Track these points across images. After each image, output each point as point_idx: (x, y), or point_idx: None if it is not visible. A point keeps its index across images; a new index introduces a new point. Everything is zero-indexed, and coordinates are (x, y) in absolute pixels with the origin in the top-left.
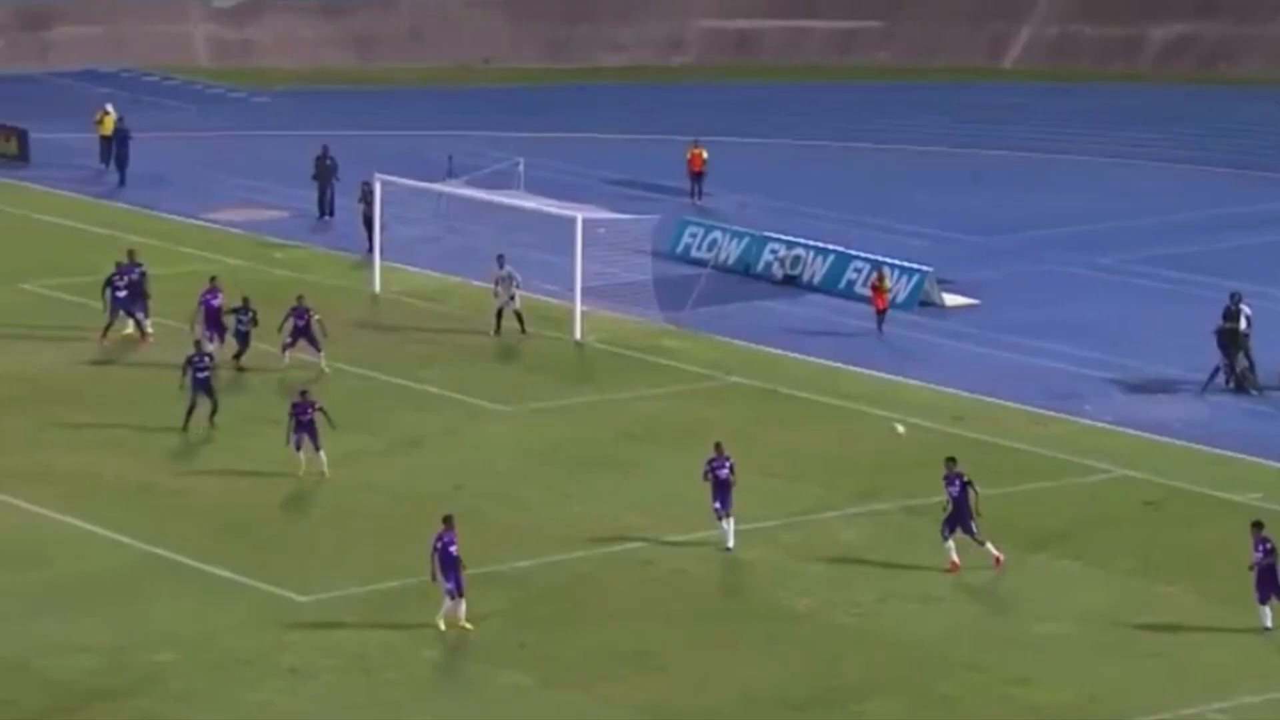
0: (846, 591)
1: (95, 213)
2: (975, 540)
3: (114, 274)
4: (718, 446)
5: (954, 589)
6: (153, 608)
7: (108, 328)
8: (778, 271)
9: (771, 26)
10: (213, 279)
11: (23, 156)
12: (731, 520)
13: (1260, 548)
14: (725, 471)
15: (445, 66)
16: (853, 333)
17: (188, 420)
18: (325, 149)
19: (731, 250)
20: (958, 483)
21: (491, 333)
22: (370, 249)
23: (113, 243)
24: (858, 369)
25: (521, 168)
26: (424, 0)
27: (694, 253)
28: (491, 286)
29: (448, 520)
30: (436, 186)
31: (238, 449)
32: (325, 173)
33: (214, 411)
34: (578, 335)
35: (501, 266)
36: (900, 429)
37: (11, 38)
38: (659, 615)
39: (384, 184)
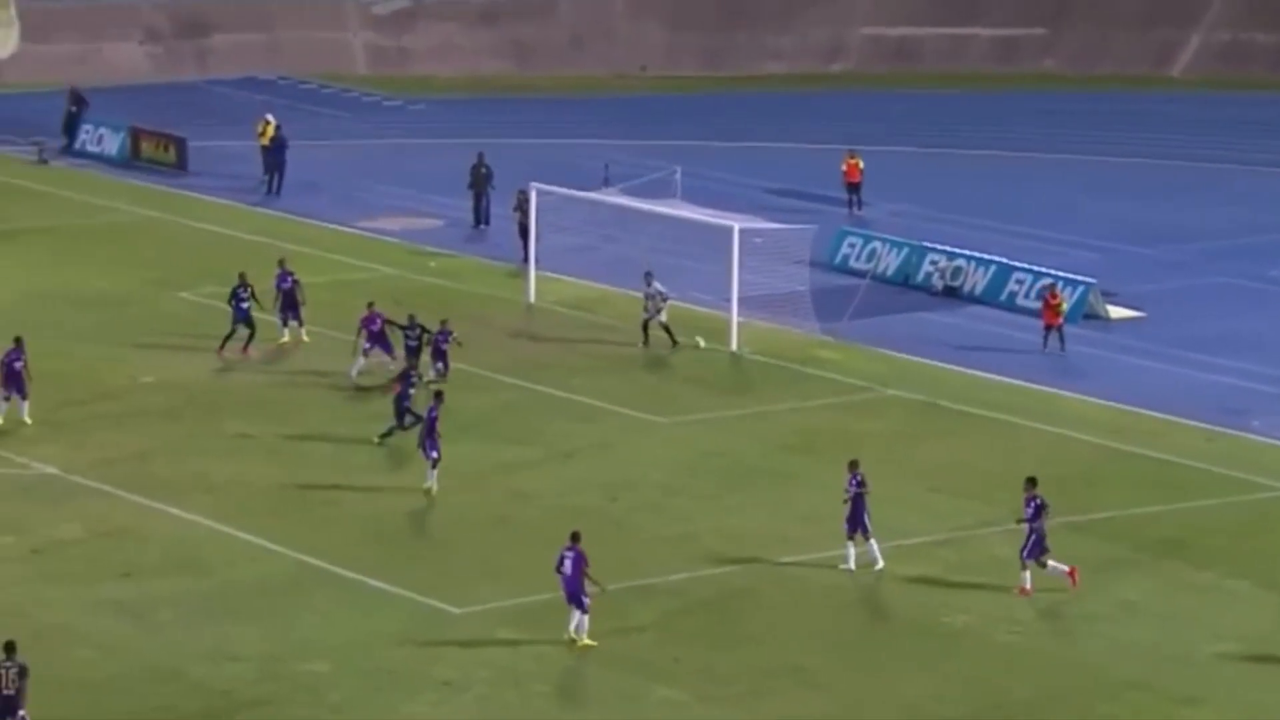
0: (1006, 609)
1: (251, 221)
2: (1039, 564)
3: (238, 285)
4: (851, 465)
5: (1117, 607)
6: (306, 617)
7: (226, 339)
8: (938, 283)
9: (932, 34)
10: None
11: (181, 165)
12: (873, 541)
13: None
14: (854, 490)
15: (602, 75)
16: (1014, 345)
17: (392, 434)
18: (481, 157)
19: (891, 261)
20: (1032, 505)
21: (639, 345)
22: (525, 258)
23: (268, 251)
24: (1019, 382)
25: (678, 176)
26: (582, 8)
27: (852, 263)
28: (642, 299)
29: (574, 536)
30: (592, 195)
31: (393, 458)
32: (481, 181)
33: (401, 428)
34: (733, 346)
35: (649, 284)
36: (700, 342)
37: (170, 45)
38: (815, 631)
39: (540, 193)
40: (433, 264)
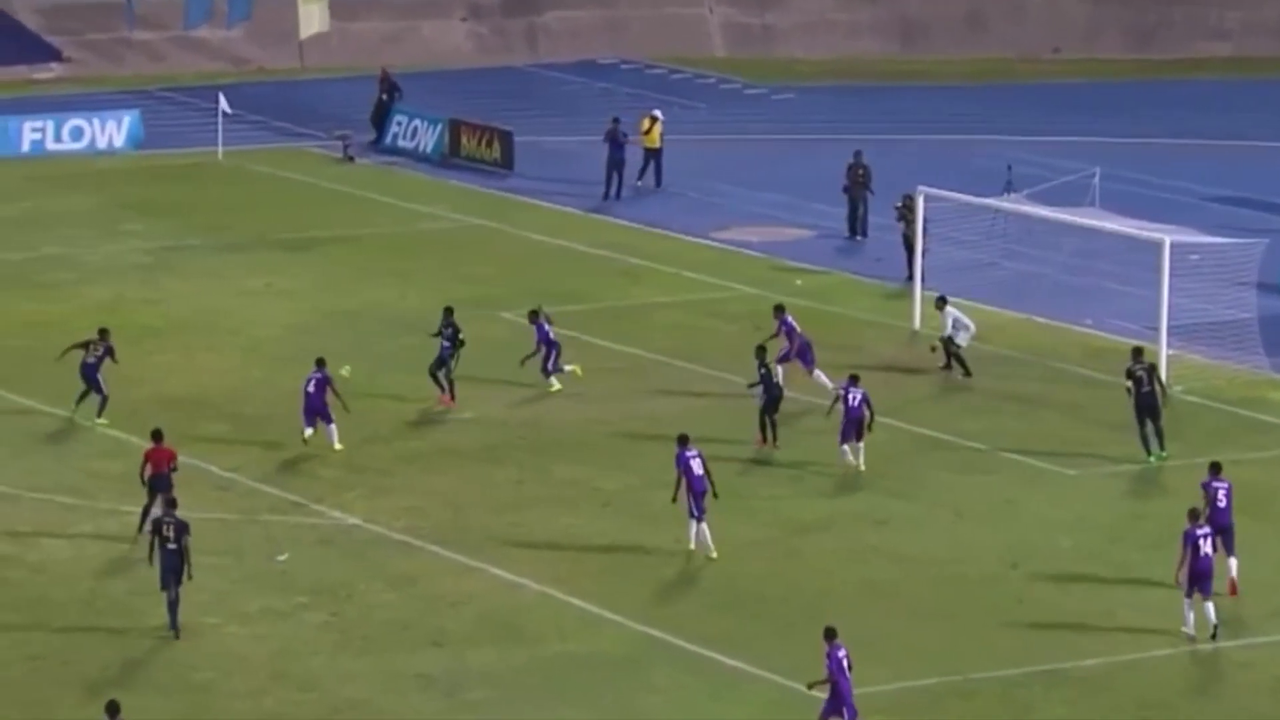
0: None
1: (587, 230)
2: None
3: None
4: (1191, 514)
5: None
6: (645, 699)
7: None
8: None
9: None
10: (779, 307)
11: (506, 163)
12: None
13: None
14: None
15: (1006, 58)
16: None
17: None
18: (858, 156)
19: None
20: None
21: (960, 376)
22: (910, 276)
23: (607, 265)
24: None
25: (1097, 180)
26: None
27: None
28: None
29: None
30: (992, 202)
31: (746, 507)
32: (858, 184)
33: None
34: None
35: (942, 312)
36: (345, 371)
37: (496, 24)
38: None
39: (928, 198)
40: (799, 282)
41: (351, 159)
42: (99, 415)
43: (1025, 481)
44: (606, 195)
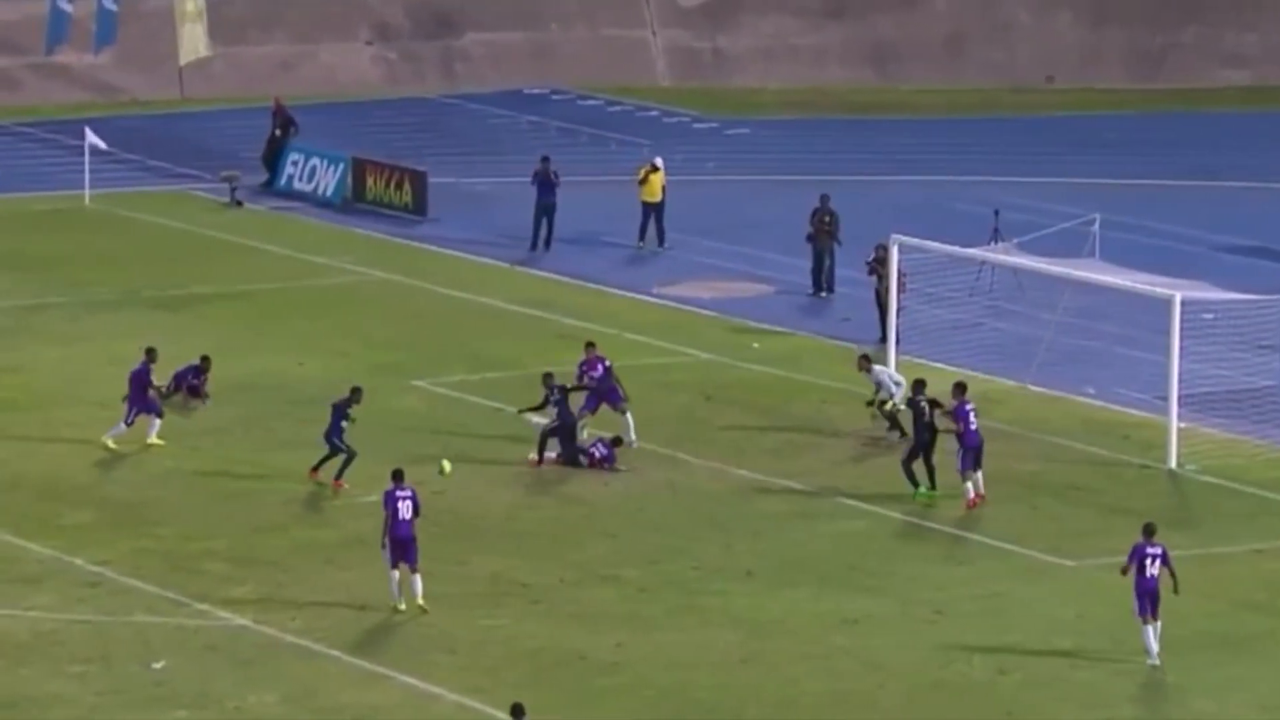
0: None
1: (512, 285)
2: None
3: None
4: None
5: None
6: None
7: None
8: None
9: None
10: (589, 345)
11: (418, 208)
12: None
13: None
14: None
15: (992, 88)
16: None
17: None
18: (824, 200)
19: None
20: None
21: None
22: (883, 338)
23: (535, 326)
24: None
25: (1097, 227)
26: None
27: None
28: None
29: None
30: (976, 252)
31: (693, 605)
32: (824, 232)
33: None
34: (1172, 462)
35: (869, 372)
36: (447, 467)
37: (407, 48)
38: None
39: (903, 248)
40: (756, 345)
41: (239, 203)
42: None
43: (1016, 574)
44: (535, 245)
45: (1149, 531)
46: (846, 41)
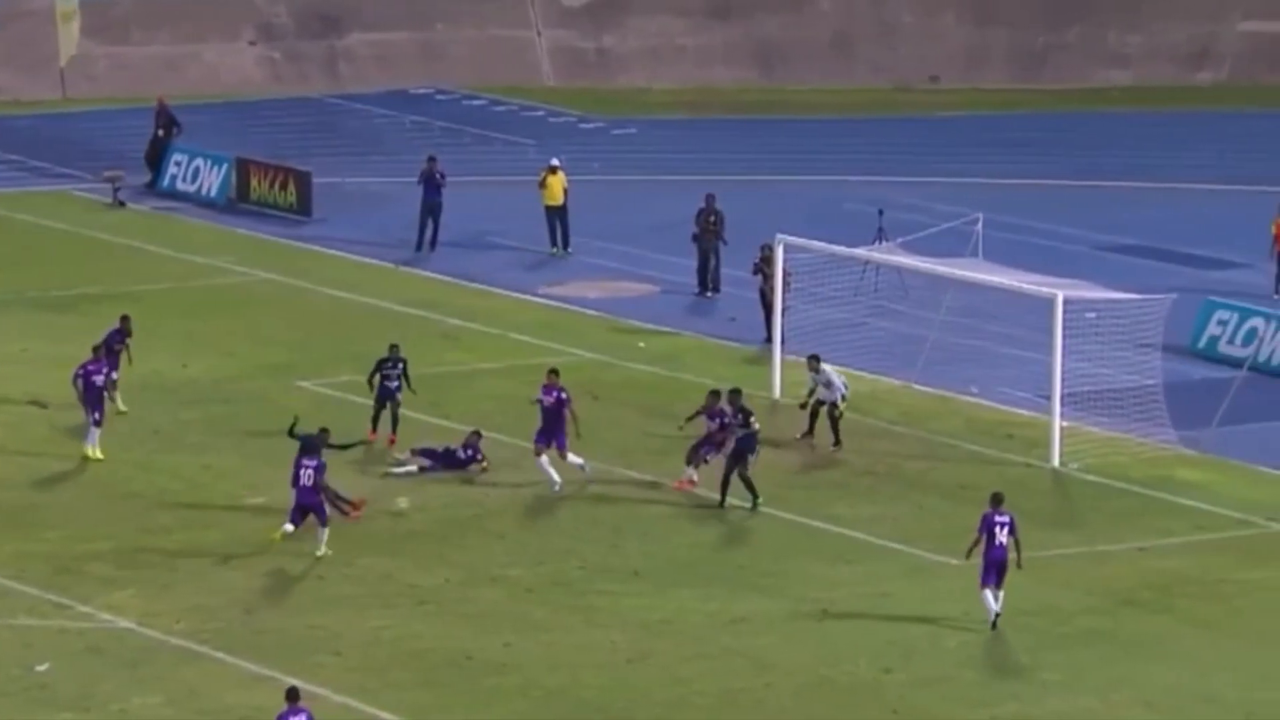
0: None
1: (397, 286)
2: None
3: (385, 359)
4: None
5: None
6: None
7: (375, 420)
8: None
9: None
10: (551, 372)
11: (302, 208)
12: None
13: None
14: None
15: (878, 88)
16: None
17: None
18: (710, 200)
19: (1279, 344)
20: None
21: (799, 435)
22: (769, 338)
23: (421, 326)
24: None
25: (980, 226)
26: None
27: (1223, 347)
28: (811, 385)
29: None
30: (861, 252)
31: (581, 605)
32: (709, 232)
33: None
34: (1055, 460)
35: (818, 372)
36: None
37: (291, 47)
38: None
39: (789, 248)
40: (642, 344)
41: (123, 204)
42: None
43: (903, 573)
44: (420, 245)
45: (997, 500)
46: (732, 42)
